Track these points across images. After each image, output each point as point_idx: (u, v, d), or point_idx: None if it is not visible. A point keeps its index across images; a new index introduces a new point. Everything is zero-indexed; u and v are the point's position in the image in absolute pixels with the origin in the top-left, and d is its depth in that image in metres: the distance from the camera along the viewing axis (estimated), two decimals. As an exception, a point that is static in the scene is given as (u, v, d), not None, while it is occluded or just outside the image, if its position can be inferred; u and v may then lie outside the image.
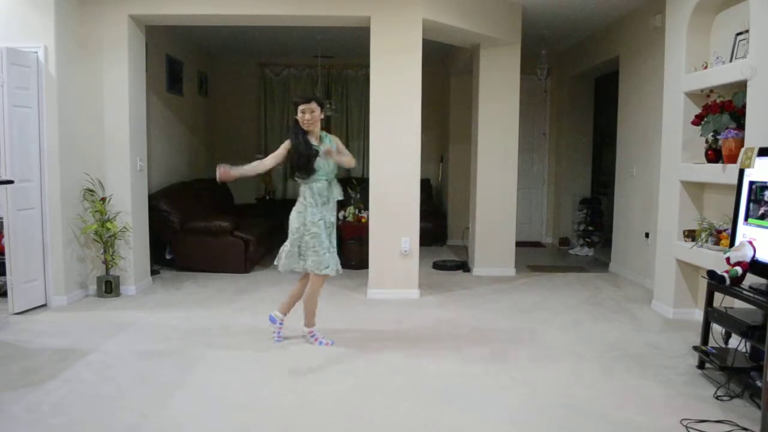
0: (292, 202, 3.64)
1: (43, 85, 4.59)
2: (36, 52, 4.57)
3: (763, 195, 3.21)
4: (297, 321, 3.97)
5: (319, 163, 3.67)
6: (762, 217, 3.16)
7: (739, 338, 3.15)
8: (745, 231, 3.30)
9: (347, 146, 8.85)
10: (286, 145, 3.72)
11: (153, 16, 5.12)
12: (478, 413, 2.87)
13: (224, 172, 3.50)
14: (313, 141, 3.72)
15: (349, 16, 5.09)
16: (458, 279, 6.00)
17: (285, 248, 3.83)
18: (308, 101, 3.66)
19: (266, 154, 9.91)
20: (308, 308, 3.88)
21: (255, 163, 3.70)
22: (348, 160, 3.84)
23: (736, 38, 4.06)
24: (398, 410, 2.89)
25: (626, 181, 6.23)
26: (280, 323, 3.94)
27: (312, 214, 3.70)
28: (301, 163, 3.65)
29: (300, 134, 3.68)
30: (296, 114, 3.68)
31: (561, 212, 8.19)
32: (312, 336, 3.91)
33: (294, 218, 3.77)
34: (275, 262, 3.91)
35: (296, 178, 3.80)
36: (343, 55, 8.27)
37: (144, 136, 5.42)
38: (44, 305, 4.71)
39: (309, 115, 3.64)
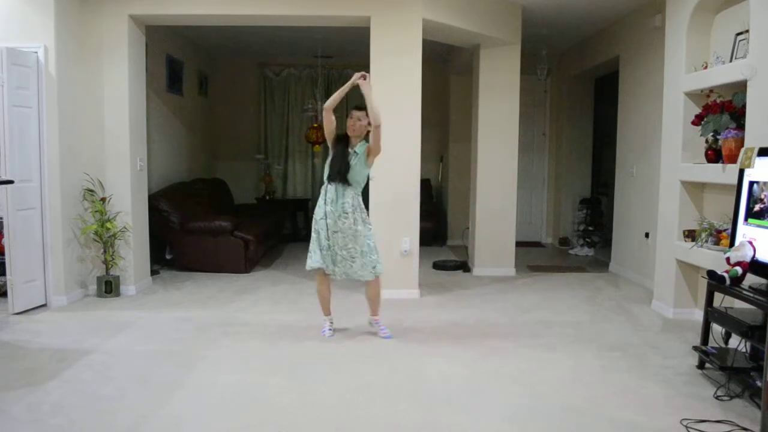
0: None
1: (43, 85, 4.59)
2: (36, 52, 4.57)
3: (753, 190, 3.22)
4: (296, 319, 3.96)
5: (352, 174, 3.91)
6: (759, 215, 3.16)
7: (739, 338, 3.15)
8: (745, 231, 3.30)
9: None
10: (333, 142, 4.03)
11: (153, 16, 5.13)
12: (478, 413, 2.87)
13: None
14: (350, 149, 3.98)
15: (349, 16, 5.09)
16: (458, 279, 6.00)
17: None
18: (359, 109, 4.00)
19: (266, 154, 9.84)
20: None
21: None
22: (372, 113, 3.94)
23: (736, 38, 4.05)
24: (398, 410, 2.89)
25: (626, 181, 6.23)
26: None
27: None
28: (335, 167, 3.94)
29: (341, 144, 3.99)
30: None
31: (561, 212, 8.19)
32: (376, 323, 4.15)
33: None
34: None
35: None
36: (343, 55, 8.26)
37: (144, 136, 5.42)
38: (44, 305, 4.71)
39: (352, 120, 3.97)
